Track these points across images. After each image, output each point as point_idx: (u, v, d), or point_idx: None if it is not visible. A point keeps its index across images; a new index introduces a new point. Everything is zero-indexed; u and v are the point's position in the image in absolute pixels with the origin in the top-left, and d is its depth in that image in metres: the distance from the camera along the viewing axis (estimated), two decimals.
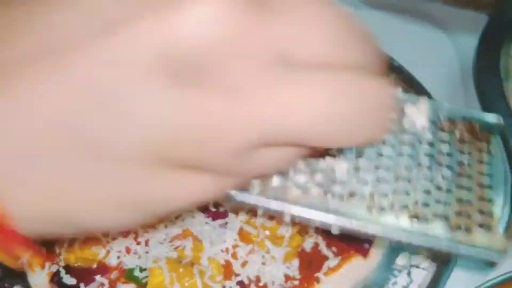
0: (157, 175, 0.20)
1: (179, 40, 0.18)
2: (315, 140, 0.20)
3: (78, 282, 0.45)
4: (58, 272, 0.46)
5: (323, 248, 0.47)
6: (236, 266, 0.45)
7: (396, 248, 0.49)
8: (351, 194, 0.27)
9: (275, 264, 0.45)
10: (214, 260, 0.45)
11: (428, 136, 0.30)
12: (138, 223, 0.22)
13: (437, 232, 0.27)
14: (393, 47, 0.56)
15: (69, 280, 0.45)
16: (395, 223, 0.27)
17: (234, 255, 0.45)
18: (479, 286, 0.42)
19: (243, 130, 0.19)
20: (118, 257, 0.46)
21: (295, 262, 0.46)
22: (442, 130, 0.30)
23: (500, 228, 0.28)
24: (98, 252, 0.45)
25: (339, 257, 0.47)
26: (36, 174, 0.20)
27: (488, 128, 0.31)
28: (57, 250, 0.46)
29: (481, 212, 0.28)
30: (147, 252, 0.45)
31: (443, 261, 0.46)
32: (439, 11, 0.66)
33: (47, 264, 0.47)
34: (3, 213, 0.20)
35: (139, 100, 0.18)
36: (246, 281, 0.45)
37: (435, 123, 0.30)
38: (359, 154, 0.28)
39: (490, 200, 0.29)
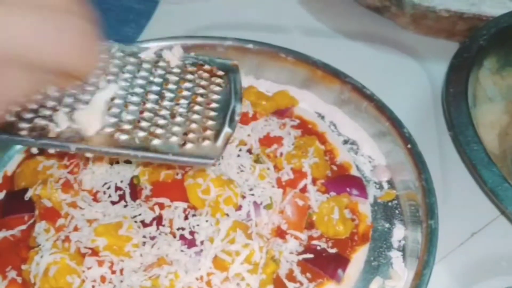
0: None
1: None
2: (29, 53, 0.29)
3: None
4: None
5: (298, 274, 0.48)
6: None
7: (369, 273, 0.50)
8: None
9: None
10: None
11: (177, 71, 0.43)
12: None
13: (169, 147, 0.39)
14: (366, 75, 0.58)
15: None
16: (131, 143, 0.39)
17: (208, 283, 0.45)
18: None
19: None
20: (93, 286, 0.45)
21: None
22: (187, 71, 0.43)
23: (219, 141, 0.40)
24: (72, 282, 0.45)
25: (313, 283, 0.47)
26: None
27: (225, 70, 0.44)
28: (32, 280, 0.46)
29: (206, 129, 0.40)
30: (121, 281, 0.45)
31: None
32: (411, 40, 0.68)
33: None
34: None
35: None
36: None
37: (183, 67, 0.44)
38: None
39: (213, 119, 0.41)
